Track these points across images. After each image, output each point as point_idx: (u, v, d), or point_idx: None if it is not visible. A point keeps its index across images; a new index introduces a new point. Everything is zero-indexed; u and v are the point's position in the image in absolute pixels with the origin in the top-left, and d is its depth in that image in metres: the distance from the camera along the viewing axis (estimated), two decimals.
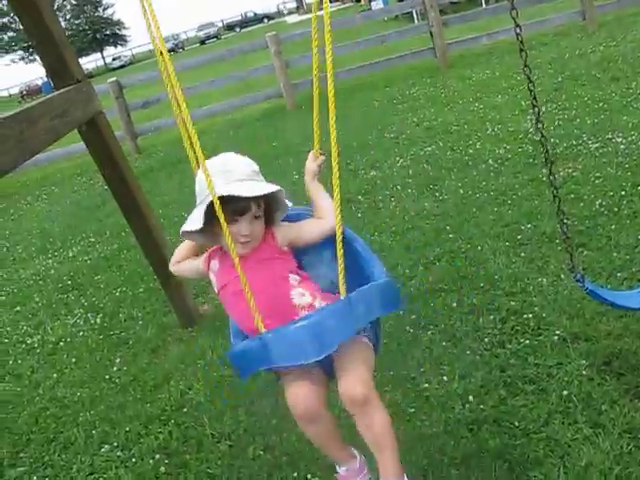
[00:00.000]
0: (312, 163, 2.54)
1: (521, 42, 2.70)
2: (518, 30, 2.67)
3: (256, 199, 2.28)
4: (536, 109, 2.82)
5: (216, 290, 2.47)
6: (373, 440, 2.28)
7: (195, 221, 2.26)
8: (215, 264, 2.44)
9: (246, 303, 2.14)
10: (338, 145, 2.23)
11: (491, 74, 10.74)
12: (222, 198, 2.10)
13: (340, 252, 2.20)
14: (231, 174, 2.25)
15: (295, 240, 2.47)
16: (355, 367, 2.27)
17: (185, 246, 2.63)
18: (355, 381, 2.22)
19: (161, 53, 2.21)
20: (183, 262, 2.63)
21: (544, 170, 5.88)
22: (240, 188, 2.21)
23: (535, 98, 2.80)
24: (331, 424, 2.40)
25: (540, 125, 2.86)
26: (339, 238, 2.21)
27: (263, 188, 2.28)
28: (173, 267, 2.67)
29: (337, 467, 2.57)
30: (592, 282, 3.93)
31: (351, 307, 2.15)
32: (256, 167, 2.39)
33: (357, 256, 2.47)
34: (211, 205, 2.13)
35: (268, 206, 2.39)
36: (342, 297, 2.18)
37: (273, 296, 2.30)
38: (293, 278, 2.38)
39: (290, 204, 2.40)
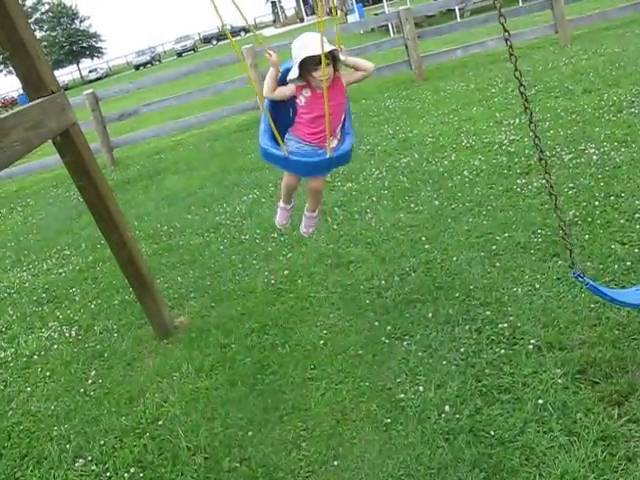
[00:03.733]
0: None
1: (510, 47, 2.96)
2: (507, 35, 2.84)
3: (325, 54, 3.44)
4: (528, 111, 2.99)
5: (301, 104, 3.69)
6: (309, 195, 4.01)
7: (294, 72, 3.54)
8: (307, 91, 3.66)
9: (324, 124, 3.54)
10: None
11: (466, 86, 10.83)
12: (308, 57, 3.44)
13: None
14: (312, 42, 3.47)
15: (350, 82, 3.77)
16: (319, 180, 3.91)
17: (271, 80, 3.70)
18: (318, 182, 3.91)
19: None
20: (277, 89, 3.72)
21: (518, 181, 5.95)
22: (315, 50, 3.40)
23: (527, 100, 3.00)
24: (294, 188, 4.05)
25: (533, 126, 3.01)
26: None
27: (326, 48, 3.41)
28: (270, 93, 3.71)
29: (281, 203, 4.14)
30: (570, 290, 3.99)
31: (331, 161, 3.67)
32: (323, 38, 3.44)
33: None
34: (302, 62, 3.48)
35: (333, 59, 3.60)
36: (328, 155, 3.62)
37: (335, 125, 3.68)
38: (342, 118, 3.76)
39: (343, 58, 3.59)
